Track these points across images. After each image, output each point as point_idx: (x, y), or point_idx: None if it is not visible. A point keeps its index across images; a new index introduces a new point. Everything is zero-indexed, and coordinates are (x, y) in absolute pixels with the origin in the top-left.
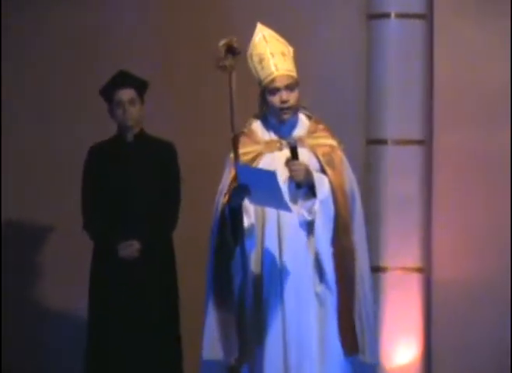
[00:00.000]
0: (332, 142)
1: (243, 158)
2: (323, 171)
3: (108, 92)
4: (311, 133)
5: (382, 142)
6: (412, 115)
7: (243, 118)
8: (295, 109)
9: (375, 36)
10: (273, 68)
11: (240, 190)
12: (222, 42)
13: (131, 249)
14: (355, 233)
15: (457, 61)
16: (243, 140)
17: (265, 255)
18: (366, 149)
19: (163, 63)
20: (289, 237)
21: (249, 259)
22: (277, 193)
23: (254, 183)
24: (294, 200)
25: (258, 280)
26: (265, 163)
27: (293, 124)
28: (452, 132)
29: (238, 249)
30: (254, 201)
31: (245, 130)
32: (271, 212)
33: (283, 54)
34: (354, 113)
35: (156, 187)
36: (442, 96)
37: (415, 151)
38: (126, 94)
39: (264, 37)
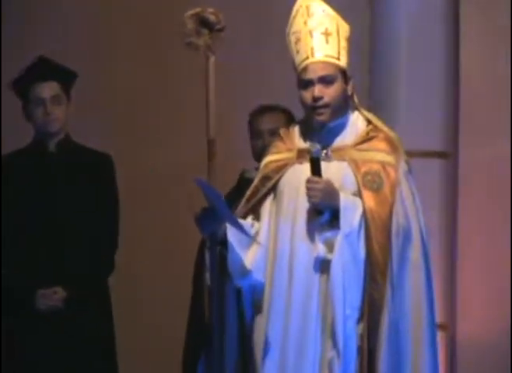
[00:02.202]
0: (389, 159)
1: (268, 167)
2: (359, 194)
3: (22, 85)
4: (361, 142)
5: None
6: (430, 118)
7: (238, 117)
8: (338, 109)
9: (381, 12)
10: (308, 53)
11: (206, 214)
12: (190, 12)
13: (53, 298)
14: (398, 286)
15: (490, 47)
16: (276, 144)
17: (271, 302)
18: None
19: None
20: (299, 282)
21: (249, 305)
22: (230, 219)
23: (217, 203)
24: (317, 231)
25: (259, 338)
26: (288, 177)
27: (339, 129)
28: (485, 142)
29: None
30: (232, 225)
31: (280, 132)
32: (283, 241)
33: (327, 33)
34: None
35: (87, 214)
36: (471, 94)
37: (435, 167)
38: (47, 89)
39: (306, 9)
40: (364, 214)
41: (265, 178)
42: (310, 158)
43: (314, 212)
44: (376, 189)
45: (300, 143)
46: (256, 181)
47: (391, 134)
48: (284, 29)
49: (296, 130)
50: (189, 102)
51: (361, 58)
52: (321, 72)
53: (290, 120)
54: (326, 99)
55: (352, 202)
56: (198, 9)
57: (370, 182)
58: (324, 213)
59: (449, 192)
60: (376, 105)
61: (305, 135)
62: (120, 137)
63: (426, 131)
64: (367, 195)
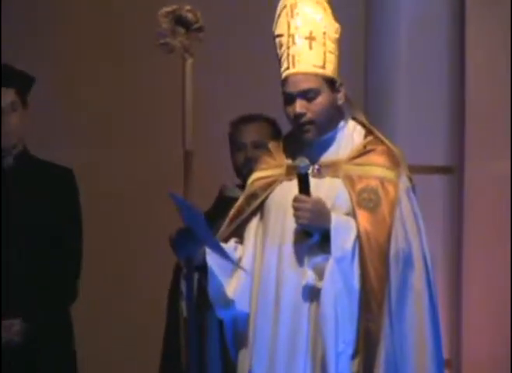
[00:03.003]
0: (388, 174)
1: (254, 184)
2: (354, 215)
3: None
4: (357, 156)
5: None
6: (433, 130)
7: (218, 126)
8: (325, 123)
9: (378, 12)
10: (289, 62)
11: (182, 235)
12: (165, 10)
13: (9, 331)
14: (397, 318)
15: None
16: (265, 160)
17: (256, 336)
18: None
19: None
20: (286, 313)
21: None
22: (210, 240)
23: (195, 224)
24: (306, 255)
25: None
26: (276, 196)
27: (331, 142)
28: (493, 156)
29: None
30: (212, 248)
31: (269, 146)
32: (269, 267)
33: (311, 38)
34: None
35: (47, 236)
36: (478, 103)
37: (437, 184)
38: (3, 96)
39: (290, 9)
40: (358, 236)
41: (251, 196)
42: (297, 174)
43: (303, 234)
44: (373, 208)
45: (290, 158)
46: (241, 199)
47: (393, 146)
48: (271, 28)
49: (286, 143)
50: (163, 109)
51: (355, 63)
52: (302, 86)
53: (276, 132)
54: (309, 116)
55: (345, 223)
56: (173, 7)
57: (366, 200)
58: (313, 235)
59: (453, 211)
60: (371, 115)
61: (295, 149)
62: (83, 149)
63: (428, 144)
64: (362, 215)
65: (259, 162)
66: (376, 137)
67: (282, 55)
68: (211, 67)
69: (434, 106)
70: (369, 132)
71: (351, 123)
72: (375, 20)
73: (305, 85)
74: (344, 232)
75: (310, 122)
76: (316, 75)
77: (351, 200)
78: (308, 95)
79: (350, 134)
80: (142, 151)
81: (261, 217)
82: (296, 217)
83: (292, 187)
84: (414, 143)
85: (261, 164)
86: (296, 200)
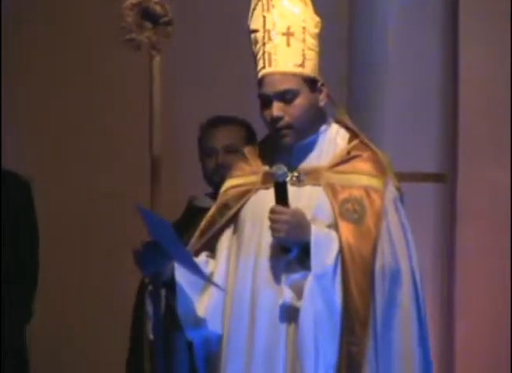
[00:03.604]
0: (374, 183)
1: (227, 193)
2: (336, 227)
3: None
4: (341, 163)
5: None
6: (424, 134)
7: (188, 130)
8: (305, 127)
9: (363, 5)
10: (265, 60)
11: (148, 249)
12: (130, 2)
13: None
14: (383, 340)
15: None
16: (239, 166)
17: (229, 359)
18: None
19: None
20: (261, 334)
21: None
22: (182, 255)
23: (163, 236)
24: (283, 272)
25: None
26: (251, 206)
27: (312, 147)
28: (488, 162)
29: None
30: (183, 264)
31: (245, 151)
32: (244, 284)
33: (289, 33)
34: None
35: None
36: (472, 107)
37: (429, 192)
38: None
39: (266, 0)
40: (341, 250)
41: (224, 206)
42: (274, 183)
43: (280, 249)
44: (357, 220)
45: (267, 164)
46: (213, 210)
47: (380, 152)
48: (247, 22)
49: (262, 148)
50: (128, 111)
51: (337, 61)
52: (279, 87)
53: (250, 135)
54: (287, 119)
55: (326, 236)
56: None
57: (350, 211)
58: (291, 250)
59: (446, 222)
60: (355, 117)
61: (273, 155)
62: (39, 157)
63: (418, 149)
64: (345, 227)
65: (233, 169)
66: (362, 142)
67: (257, 53)
68: (181, 66)
69: (425, 108)
70: (354, 136)
71: (334, 127)
72: (360, 14)
73: (282, 86)
74: (325, 246)
75: (289, 126)
76: (294, 75)
77: (333, 210)
78: (286, 96)
79: (333, 139)
80: (104, 159)
81: (235, 230)
82: (273, 229)
83: (268, 197)
84: (402, 148)
85: (236, 171)
86: (272, 211)
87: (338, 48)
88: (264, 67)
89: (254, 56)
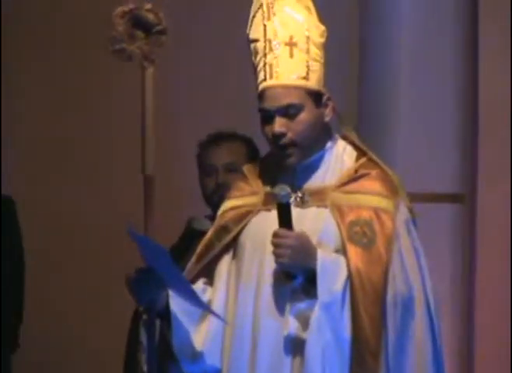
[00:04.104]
0: (385, 204)
1: (226, 216)
2: (344, 251)
3: None
4: (348, 182)
5: None
6: (440, 152)
7: (184, 147)
8: (310, 144)
9: (375, 11)
10: (266, 72)
11: (142, 277)
12: (121, 9)
13: None
14: (393, 369)
15: None
16: (239, 186)
17: None
18: None
19: None
20: (263, 368)
21: None
22: (179, 283)
23: (159, 263)
24: (288, 300)
25: None
26: (252, 229)
27: (317, 166)
28: (510, 182)
29: None
30: (180, 293)
31: (244, 170)
32: (245, 313)
33: (292, 44)
34: None
35: None
36: (491, 122)
37: (446, 214)
38: None
39: (267, 8)
40: (350, 277)
41: (222, 229)
42: (276, 204)
43: (284, 276)
44: (367, 244)
45: (268, 184)
46: (210, 233)
47: (389, 170)
48: (246, 31)
49: (263, 167)
50: (120, 127)
51: (347, 72)
52: (282, 101)
53: (252, 153)
54: (290, 136)
55: (333, 262)
56: (131, 6)
57: (359, 234)
58: (296, 277)
59: (464, 245)
60: (365, 133)
61: (275, 174)
62: (22, 176)
63: (434, 168)
64: (354, 252)
65: (232, 189)
66: (370, 160)
67: (257, 64)
68: (175, 78)
69: (441, 123)
70: (362, 153)
71: (340, 143)
72: (371, 21)
73: (285, 101)
74: (332, 272)
75: (292, 143)
76: (298, 88)
77: (341, 234)
78: (289, 111)
79: (339, 156)
80: (96, 179)
81: (234, 255)
82: (276, 255)
83: (270, 219)
84: (417, 166)
85: (235, 191)
86: (275, 234)
87: (350, 60)
88: (265, 80)
89: (254, 67)
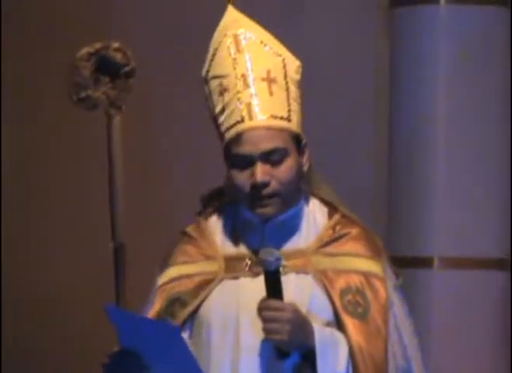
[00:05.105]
0: (373, 267)
1: (172, 287)
2: (339, 324)
3: None
4: (329, 243)
5: (421, 263)
6: (482, 212)
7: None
8: (291, 196)
9: (407, 46)
10: (243, 113)
11: (118, 361)
12: (86, 50)
13: None
14: None
15: None
16: (183, 249)
17: None
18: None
19: None
20: None
21: None
22: (188, 365)
23: (147, 346)
24: None
25: None
26: (216, 302)
27: (291, 224)
28: None
29: None
30: None
31: (188, 231)
32: None
33: (270, 79)
34: (366, 203)
35: None
36: None
37: (491, 281)
38: None
39: (234, 39)
40: (351, 354)
41: (175, 302)
42: (265, 272)
43: (276, 354)
44: (363, 315)
45: (228, 245)
46: (156, 309)
47: (370, 230)
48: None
49: (216, 223)
50: (88, 186)
51: (379, 113)
52: (267, 145)
53: None
54: (274, 186)
55: (331, 337)
56: (97, 46)
57: (352, 304)
58: (289, 355)
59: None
60: (397, 190)
61: (234, 233)
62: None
63: (477, 231)
64: (352, 325)
65: (175, 253)
66: (345, 216)
67: (226, 104)
68: (148, 126)
69: (484, 179)
70: (333, 209)
71: (311, 199)
72: (402, 67)
73: (270, 144)
74: (333, 351)
75: (274, 194)
76: (282, 131)
77: (333, 304)
78: (273, 157)
79: (311, 213)
80: (63, 248)
81: (192, 334)
82: (272, 331)
83: (241, 289)
84: (457, 229)
85: (179, 256)
86: (268, 307)
87: (379, 106)
88: (242, 121)
89: (217, 109)
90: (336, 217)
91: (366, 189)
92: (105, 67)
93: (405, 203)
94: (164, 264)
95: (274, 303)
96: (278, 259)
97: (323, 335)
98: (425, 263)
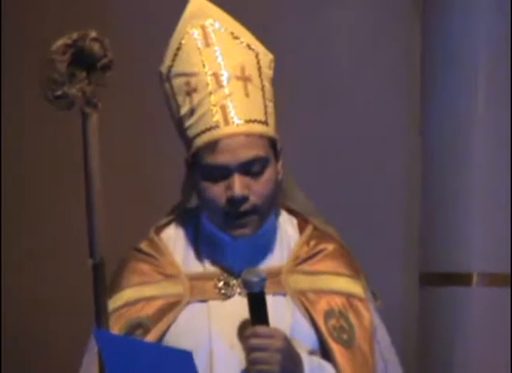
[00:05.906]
0: (353, 287)
1: (134, 311)
2: (325, 352)
3: None
4: (305, 260)
5: (459, 280)
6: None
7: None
8: (268, 211)
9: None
10: (216, 117)
11: None
12: (63, 41)
13: None
14: None
15: None
16: (138, 269)
17: None
18: (422, 293)
19: None
20: None
21: None
22: None
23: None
24: None
25: None
26: (184, 328)
27: (264, 240)
28: None
29: None
30: None
31: (142, 248)
32: None
33: (245, 78)
34: (398, 217)
35: None
36: None
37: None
38: None
39: (203, 31)
40: None
41: (136, 328)
42: (248, 295)
43: None
44: (348, 341)
45: (192, 263)
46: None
47: (342, 243)
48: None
49: (178, 239)
50: (61, 195)
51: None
52: (246, 154)
53: None
54: (253, 200)
55: (320, 367)
56: (74, 36)
57: (337, 330)
58: None
59: None
60: (429, 203)
61: (200, 249)
62: None
63: (496, 246)
64: (340, 354)
65: (127, 273)
66: (317, 229)
67: (195, 106)
68: (128, 125)
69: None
70: (303, 221)
71: (281, 212)
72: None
73: (250, 154)
74: None
75: (253, 210)
76: (261, 138)
77: (316, 329)
78: (253, 168)
79: (283, 226)
80: (42, 262)
81: None
82: (260, 361)
83: (211, 313)
84: (493, 242)
85: (133, 276)
86: (255, 334)
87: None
88: (217, 127)
89: (186, 111)
90: (308, 230)
91: (400, 200)
92: (81, 60)
93: (440, 216)
94: (115, 286)
95: (262, 329)
96: (264, 280)
97: (311, 366)
98: (463, 279)
